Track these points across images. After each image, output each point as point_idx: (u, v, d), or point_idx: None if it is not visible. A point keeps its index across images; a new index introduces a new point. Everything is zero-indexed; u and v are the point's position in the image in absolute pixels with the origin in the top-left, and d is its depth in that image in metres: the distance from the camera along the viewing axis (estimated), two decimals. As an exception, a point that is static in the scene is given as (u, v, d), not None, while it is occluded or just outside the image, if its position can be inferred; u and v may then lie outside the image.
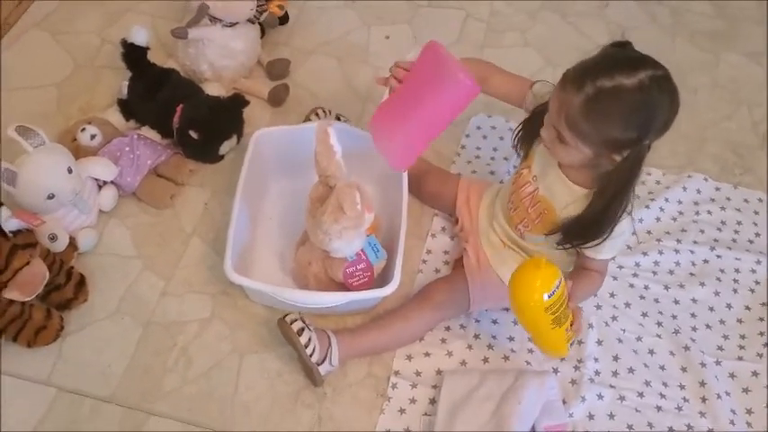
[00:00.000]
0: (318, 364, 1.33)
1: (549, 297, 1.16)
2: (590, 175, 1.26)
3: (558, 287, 1.17)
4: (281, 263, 1.53)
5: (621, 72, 1.11)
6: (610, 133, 1.15)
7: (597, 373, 1.43)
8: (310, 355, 1.32)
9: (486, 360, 1.44)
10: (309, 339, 1.32)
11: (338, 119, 1.69)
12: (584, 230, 1.26)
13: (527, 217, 1.37)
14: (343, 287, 1.43)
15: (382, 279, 1.43)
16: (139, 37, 1.64)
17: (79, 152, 1.56)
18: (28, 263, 1.26)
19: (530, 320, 1.23)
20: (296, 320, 1.34)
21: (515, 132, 1.40)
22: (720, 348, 1.48)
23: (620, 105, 1.12)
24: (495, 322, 1.48)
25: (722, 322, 1.52)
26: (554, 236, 1.31)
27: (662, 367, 1.45)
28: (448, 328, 1.47)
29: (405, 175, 1.48)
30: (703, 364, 1.44)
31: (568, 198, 1.29)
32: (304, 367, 1.37)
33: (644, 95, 1.11)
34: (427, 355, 1.43)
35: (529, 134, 1.36)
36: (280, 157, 1.59)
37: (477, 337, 1.47)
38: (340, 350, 1.35)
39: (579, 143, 1.18)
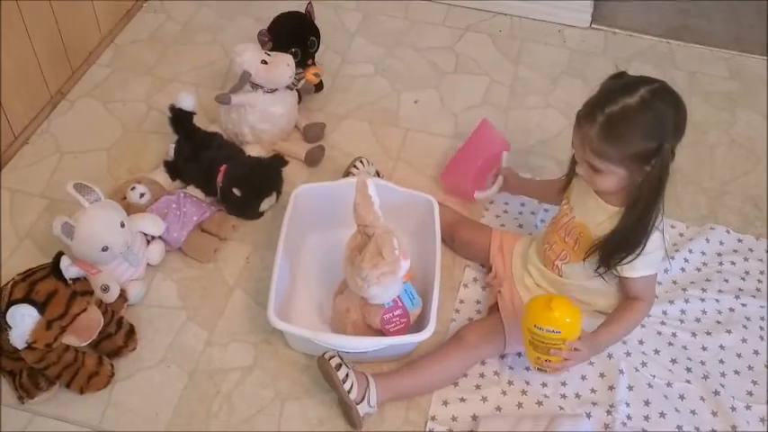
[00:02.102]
0: (357, 404, 1.37)
1: (537, 329, 1.34)
2: (623, 193, 1.35)
3: (551, 331, 1.33)
4: (319, 312, 1.60)
5: (623, 95, 1.24)
6: (633, 149, 1.26)
7: (629, 417, 1.45)
8: (348, 391, 1.36)
9: (520, 405, 1.47)
10: (347, 375, 1.38)
11: (377, 173, 1.79)
12: (620, 245, 1.34)
13: (565, 248, 1.44)
14: (380, 334, 1.48)
15: (417, 327, 1.48)
16: (186, 103, 1.75)
17: (129, 209, 1.64)
18: (85, 309, 1.33)
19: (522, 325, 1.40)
20: (334, 356, 1.39)
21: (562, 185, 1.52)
22: (750, 394, 1.51)
23: (631, 122, 1.24)
24: (528, 369, 1.52)
25: (750, 368, 1.55)
26: (592, 261, 1.39)
27: (693, 412, 1.47)
28: (482, 375, 1.51)
29: (437, 225, 1.57)
30: (734, 409, 1.47)
31: (602, 216, 1.37)
32: (343, 409, 1.41)
33: (649, 107, 1.23)
34: (463, 400, 1.47)
35: (568, 175, 1.48)
36: (318, 212, 1.67)
37: (510, 383, 1.50)
38: (378, 392, 1.40)
39: (610, 166, 1.29)
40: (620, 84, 1.29)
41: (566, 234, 1.43)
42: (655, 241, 1.33)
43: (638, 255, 1.33)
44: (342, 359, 1.40)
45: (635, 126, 1.25)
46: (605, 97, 1.27)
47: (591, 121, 1.27)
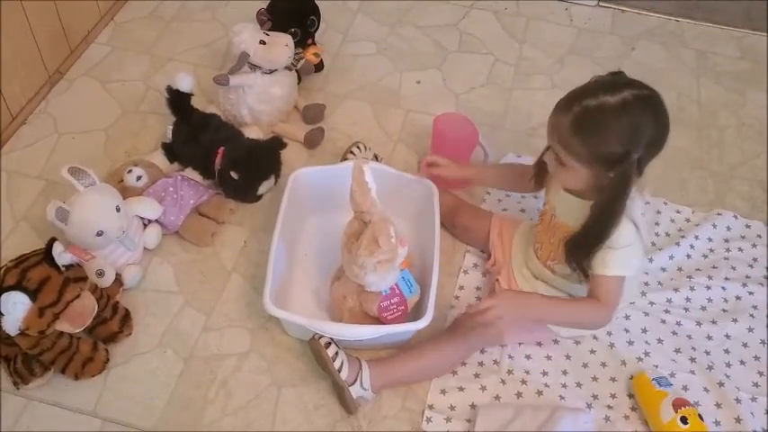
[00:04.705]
0: (349, 385, 1.36)
1: None
2: (593, 190, 1.31)
3: None
4: (316, 298, 1.58)
5: (606, 92, 1.20)
6: (598, 149, 1.22)
7: (633, 408, 1.43)
8: (339, 371, 1.35)
9: (519, 395, 1.45)
10: (337, 353, 1.37)
11: (375, 158, 1.76)
12: (579, 243, 1.30)
13: (552, 249, 1.40)
14: (378, 322, 1.46)
15: (415, 314, 1.46)
16: (184, 83, 1.72)
17: (126, 192, 1.63)
18: (79, 296, 1.32)
19: None
20: (322, 337, 1.39)
21: (533, 172, 1.47)
22: (756, 385, 1.48)
23: (604, 121, 1.20)
24: (528, 357, 1.50)
25: (756, 358, 1.52)
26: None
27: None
28: (481, 363, 1.49)
29: (437, 210, 1.54)
30: (738, 401, 1.44)
31: (579, 213, 1.32)
32: (337, 393, 1.40)
33: (627, 111, 1.18)
34: (461, 389, 1.45)
35: (541, 170, 1.43)
36: (316, 196, 1.65)
37: (510, 372, 1.48)
38: (372, 376, 1.38)
39: (574, 162, 1.25)
40: (608, 81, 1.24)
41: (551, 235, 1.40)
42: (627, 235, 1.27)
43: (599, 247, 1.28)
44: (332, 340, 1.39)
45: (607, 126, 1.20)
46: (588, 90, 1.23)
47: (566, 110, 1.23)
